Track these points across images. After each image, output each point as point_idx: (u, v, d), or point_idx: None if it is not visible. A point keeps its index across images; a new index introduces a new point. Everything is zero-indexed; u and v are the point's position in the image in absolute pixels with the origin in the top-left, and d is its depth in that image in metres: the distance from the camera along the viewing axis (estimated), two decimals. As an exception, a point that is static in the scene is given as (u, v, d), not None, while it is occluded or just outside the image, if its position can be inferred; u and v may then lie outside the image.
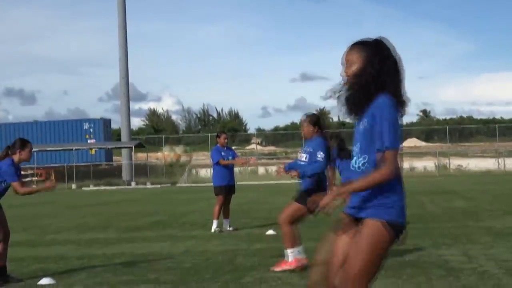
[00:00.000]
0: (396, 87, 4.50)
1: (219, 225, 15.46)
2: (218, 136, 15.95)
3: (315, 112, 10.44)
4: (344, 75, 4.60)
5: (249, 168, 55.25)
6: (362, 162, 4.50)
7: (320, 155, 9.80)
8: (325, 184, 9.90)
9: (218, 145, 15.82)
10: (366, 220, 4.46)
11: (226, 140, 15.78)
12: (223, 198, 15.58)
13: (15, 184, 9.67)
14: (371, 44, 4.57)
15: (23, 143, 9.90)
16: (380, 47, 4.55)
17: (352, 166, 4.55)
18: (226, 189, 15.63)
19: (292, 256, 9.68)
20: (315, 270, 5.09)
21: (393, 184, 4.43)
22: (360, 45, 4.58)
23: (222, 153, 15.66)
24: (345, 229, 4.63)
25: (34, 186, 9.75)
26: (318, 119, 10.10)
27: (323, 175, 9.92)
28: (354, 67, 4.53)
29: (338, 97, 4.63)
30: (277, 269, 9.66)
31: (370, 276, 4.48)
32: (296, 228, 9.84)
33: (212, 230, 15.32)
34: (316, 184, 9.85)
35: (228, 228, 15.56)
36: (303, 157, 9.96)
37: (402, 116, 4.52)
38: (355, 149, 4.55)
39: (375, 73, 4.47)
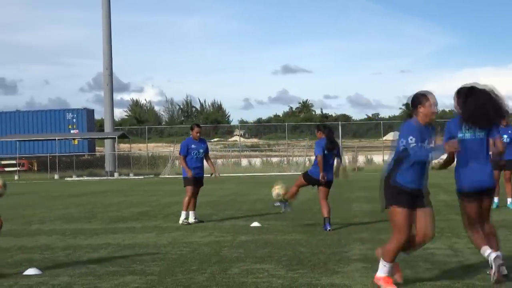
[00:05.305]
0: None
1: (187, 217, 15.43)
2: (192, 129, 15.95)
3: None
4: None
5: (232, 159, 55.27)
6: None
7: None
8: None
9: (190, 137, 15.83)
10: None
11: (198, 134, 15.76)
12: (192, 190, 15.60)
13: None
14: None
15: None
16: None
17: None
18: (194, 181, 15.62)
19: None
20: None
21: None
22: None
23: (193, 146, 15.65)
24: None
25: None
26: None
27: None
28: None
29: None
30: None
31: None
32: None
33: (180, 222, 15.33)
34: None
35: (193, 220, 15.49)
36: None
37: None
38: None
39: None
